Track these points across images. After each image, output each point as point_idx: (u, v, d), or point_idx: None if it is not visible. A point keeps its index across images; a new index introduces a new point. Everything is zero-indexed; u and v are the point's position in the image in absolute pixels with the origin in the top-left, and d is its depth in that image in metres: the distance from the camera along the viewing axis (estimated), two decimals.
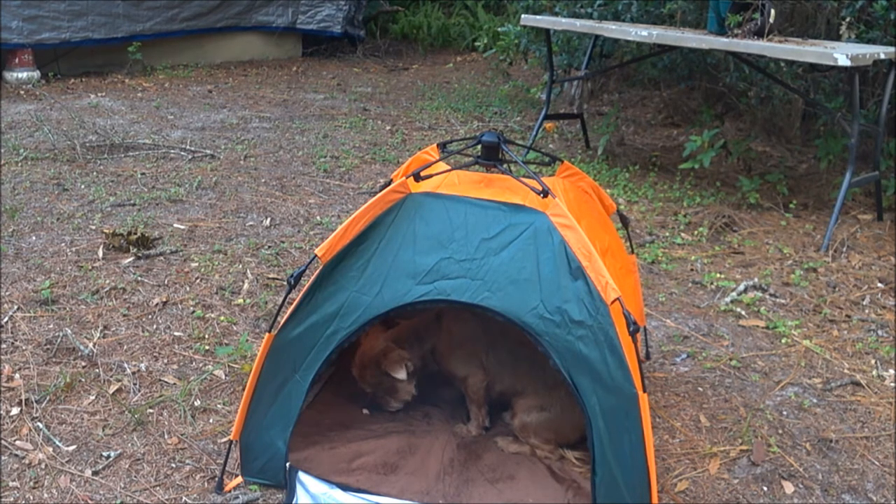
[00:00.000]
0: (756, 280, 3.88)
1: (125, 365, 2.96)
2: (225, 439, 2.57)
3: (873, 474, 2.58)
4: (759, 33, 4.64)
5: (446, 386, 2.67)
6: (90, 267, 3.70)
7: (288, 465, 2.27)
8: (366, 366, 2.55)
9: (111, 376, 2.90)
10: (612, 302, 2.04)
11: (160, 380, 2.90)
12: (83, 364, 2.96)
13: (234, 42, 9.11)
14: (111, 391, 2.81)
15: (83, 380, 2.86)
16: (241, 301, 3.48)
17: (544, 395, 2.44)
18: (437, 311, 2.54)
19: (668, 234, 4.51)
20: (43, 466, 2.43)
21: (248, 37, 9.21)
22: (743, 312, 3.61)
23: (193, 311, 3.37)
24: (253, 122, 6.54)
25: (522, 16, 5.93)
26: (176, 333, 3.21)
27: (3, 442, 2.52)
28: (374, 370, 2.53)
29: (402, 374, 2.49)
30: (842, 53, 4.10)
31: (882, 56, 4.33)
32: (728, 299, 3.71)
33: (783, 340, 3.39)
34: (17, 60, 7.36)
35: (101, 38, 7.82)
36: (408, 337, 2.57)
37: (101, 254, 3.84)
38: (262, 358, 2.25)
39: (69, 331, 3.10)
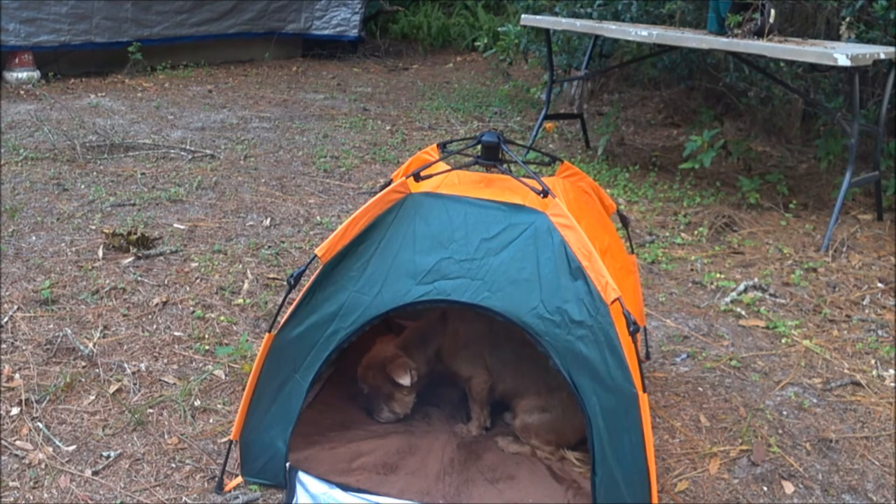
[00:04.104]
0: (756, 280, 3.88)
1: (125, 365, 2.96)
2: (225, 439, 2.57)
3: (873, 474, 2.58)
4: (759, 33, 4.64)
5: (446, 386, 2.67)
6: (90, 267, 3.70)
7: (288, 465, 2.27)
8: (370, 367, 2.55)
9: (111, 376, 2.90)
10: (612, 302, 2.04)
11: (160, 380, 2.90)
12: (83, 364, 2.96)
13: (235, 42, 9.04)
14: (111, 391, 2.81)
15: (83, 380, 2.86)
16: (241, 301, 3.48)
17: (546, 396, 2.44)
18: (442, 312, 2.54)
19: (668, 234, 4.51)
20: (43, 466, 2.43)
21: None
22: (743, 312, 3.61)
23: (193, 311, 3.37)
24: (253, 122, 6.54)
25: (522, 16, 5.93)
26: (176, 333, 3.21)
27: (3, 442, 2.52)
28: (377, 373, 2.53)
29: (405, 380, 2.48)
30: (842, 53, 4.10)
31: (882, 56, 4.33)
32: (728, 299, 3.71)
33: (783, 340, 3.40)
34: (17, 60, 7.35)
35: (104, 42, 7.72)
36: (414, 341, 2.57)
37: (101, 254, 3.84)
38: (262, 358, 2.25)
39: (69, 331, 3.10)
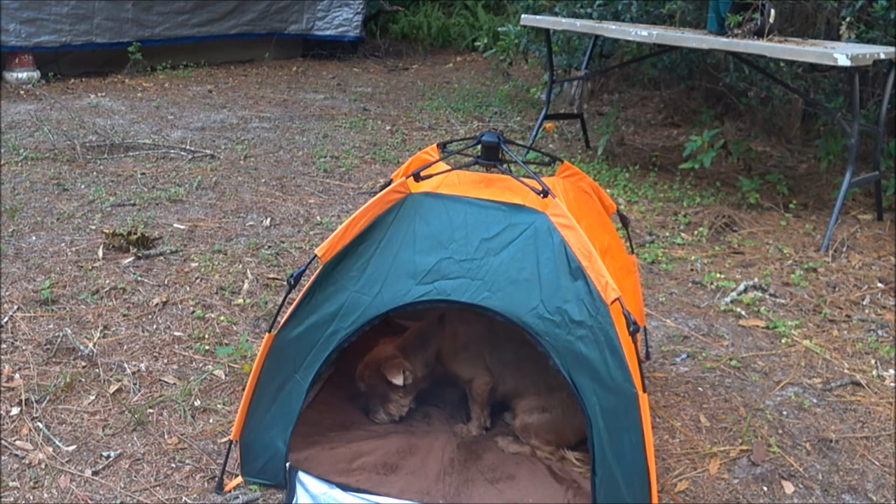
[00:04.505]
0: (756, 280, 3.88)
1: (125, 365, 2.96)
2: (225, 439, 2.57)
3: (873, 474, 2.58)
4: (759, 33, 4.64)
5: (446, 386, 2.67)
6: (90, 267, 3.70)
7: (288, 465, 2.28)
8: (368, 366, 2.56)
9: (111, 376, 2.90)
10: (612, 302, 2.04)
11: (160, 380, 2.90)
12: (83, 364, 2.96)
13: (235, 42, 9.02)
14: (111, 391, 2.81)
15: (83, 380, 2.86)
16: (241, 301, 3.48)
17: (546, 396, 2.45)
18: (440, 314, 2.54)
19: (668, 234, 4.51)
20: (43, 466, 2.43)
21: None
22: (743, 312, 3.61)
23: (193, 311, 3.37)
24: (253, 122, 6.54)
25: (522, 16, 5.93)
26: (176, 333, 3.21)
27: (3, 442, 2.52)
28: (372, 372, 2.54)
29: (398, 380, 2.48)
30: (842, 53, 4.10)
31: (882, 56, 4.33)
32: (728, 299, 3.71)
33: (783, 340, 3.39)
34: (17, 61, 7.35)
35: (105, 43, 7.69)
36: (414, 343, 2.57)
37: (101, 254, 3.84)
38: (262, 358, 2.25)
39: (69, 331, 3.10)
